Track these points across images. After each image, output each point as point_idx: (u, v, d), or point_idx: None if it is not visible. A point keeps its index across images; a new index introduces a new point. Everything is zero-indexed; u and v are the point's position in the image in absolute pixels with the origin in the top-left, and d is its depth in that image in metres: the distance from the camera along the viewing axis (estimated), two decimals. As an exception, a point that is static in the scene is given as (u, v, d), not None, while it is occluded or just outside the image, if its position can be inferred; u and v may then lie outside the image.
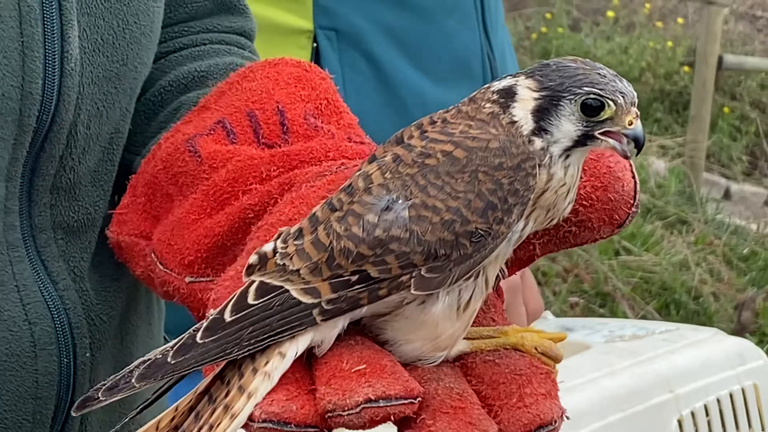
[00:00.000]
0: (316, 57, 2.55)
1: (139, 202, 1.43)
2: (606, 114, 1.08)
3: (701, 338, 2.67)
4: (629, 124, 1.09)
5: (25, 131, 1.33)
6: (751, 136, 11.77)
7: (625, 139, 1.09)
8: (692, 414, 2.48)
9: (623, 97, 1.09)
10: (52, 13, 1.33)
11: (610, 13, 12.93)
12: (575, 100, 1.08)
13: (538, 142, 1.08)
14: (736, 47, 12.96)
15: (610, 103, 1.08)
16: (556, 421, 1.09)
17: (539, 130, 1.08)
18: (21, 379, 1.36)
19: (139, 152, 1.51)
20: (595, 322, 2.85)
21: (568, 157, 1.09)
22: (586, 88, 1.08)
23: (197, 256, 1.32)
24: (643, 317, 7.76)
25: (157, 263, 1.36)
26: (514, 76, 1.11)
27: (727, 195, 10.90)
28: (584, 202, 1.16)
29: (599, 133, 1.09)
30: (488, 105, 1.10)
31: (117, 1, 1.40)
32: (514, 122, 1.08)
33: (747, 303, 8.09)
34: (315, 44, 2.57)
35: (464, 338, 1.14)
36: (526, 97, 1.09)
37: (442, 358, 1.12)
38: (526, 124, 1.08)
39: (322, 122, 1.38)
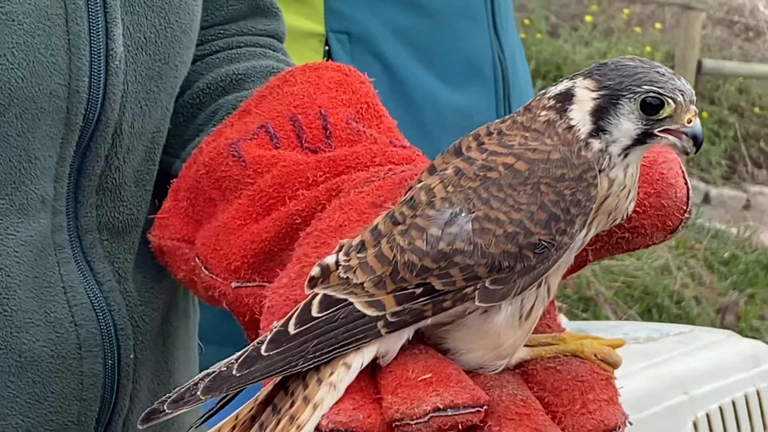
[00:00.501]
0: (328, 60, 2.53)
1: (181, 206, 1.42)
2: (665, 112, 1.08)
3: (715, 340, 2.66)
4: (688, 122, 1.09)
5: (72, 130, 1.33)
6: (729, 140, 11.84)
7: (684, 137, 1.09)
8: (707, 416, 2.48)
9: (682, 95, 1.08)
10: (97, 10, 1.32)
11: (589, 18, 12.96)
12: (635, 99, 1.08)
13: (596, 144, 1.08)
14: (713, 52, 13.02)
15: (670, 101, 1.08)
16: (619, 427, 1.09)
17: (597, 131, 1.08)
18: (66, 381, 1.36)
19: (178, 155, 1.51)
20: (608, 325, 2.84)
21: (627, 156, 1.09)
22: (645, 87, 1.08)
23: (244, 262, 1.31)
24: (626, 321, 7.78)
25: (202, 268, 1.35)
26: (571, 78, 1.11)
27: (706, 199, 10.95)
28: (638, 209, 1.16)
29: (658, 131, 1.09)
30: (543, 113, 1.09)
31: None
32: (571, 127, 1.08)
33: (730, 306, 8.13)
34: (327, 47, 2.55)
35: (524, 345, 1.13)
36: (585, 98, 1.09)
37: (503, 366, 1.12)
38: (584, 126, 1.08)
39: (363, 126, 1.38)
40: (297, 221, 1.29)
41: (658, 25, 13.37)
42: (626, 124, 1.08)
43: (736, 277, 8.83)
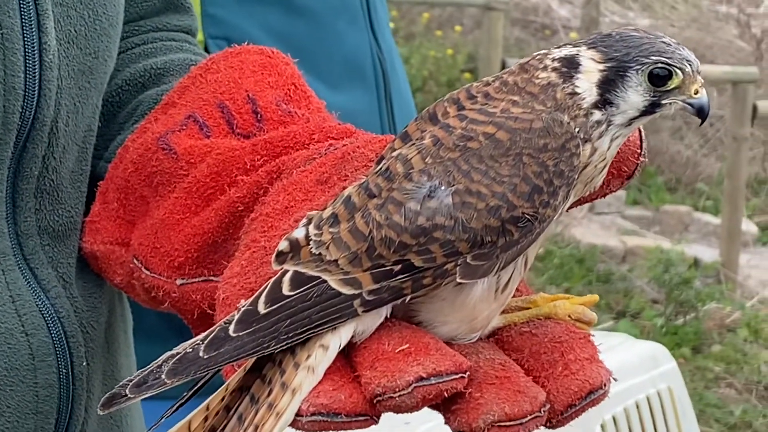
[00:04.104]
0: None
1: (111, 209, 1.36)
2: (673, 83, 1.05)
3: (614, 343, 2.65)
4: (695, 93, 1.06)
5: (9, 130, 1.25)
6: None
7: (691, 108, 1.07)
8: (614, 419, 2.46)
9: (690, 65, 1.06)
10: (28, 2, 1.25)
11: (390, 24, 13.10)
12: (642, 70, 1.04)
13: (597, 114, 1.04)
14: (513, 52, 13.16)
15: (678, 71, 1.05)
16: (605, 385, 1.05)
17: (603, 103, 1.04)
18: (21, 393, 1.28)
19: (101, 156, 1.44)
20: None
21: (630, 125, 1.06)
22: (653, 57, 1.05)
23: (187, 257, 1.25)
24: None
25: (142, 268, 1.28)
26: (575, 46, 1.07)
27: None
28: None
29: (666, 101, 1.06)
30: (544, 74, 1.05)
31: None
32: (576, 93, 1.04)
33: (557, 303, 8.33)
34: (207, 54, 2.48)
35: (496, 312, 1.09)
36: (591, 69, 1.05)
37: (477, 337, 1.08)
38: (589, 96, 1.04)
39: (293, 107, 1.34)
40: (239, 208, 1.23)
41: (458, 28, 13.48)
42: (633, 96, 1.05)
43: (553, 272, 8.92)
